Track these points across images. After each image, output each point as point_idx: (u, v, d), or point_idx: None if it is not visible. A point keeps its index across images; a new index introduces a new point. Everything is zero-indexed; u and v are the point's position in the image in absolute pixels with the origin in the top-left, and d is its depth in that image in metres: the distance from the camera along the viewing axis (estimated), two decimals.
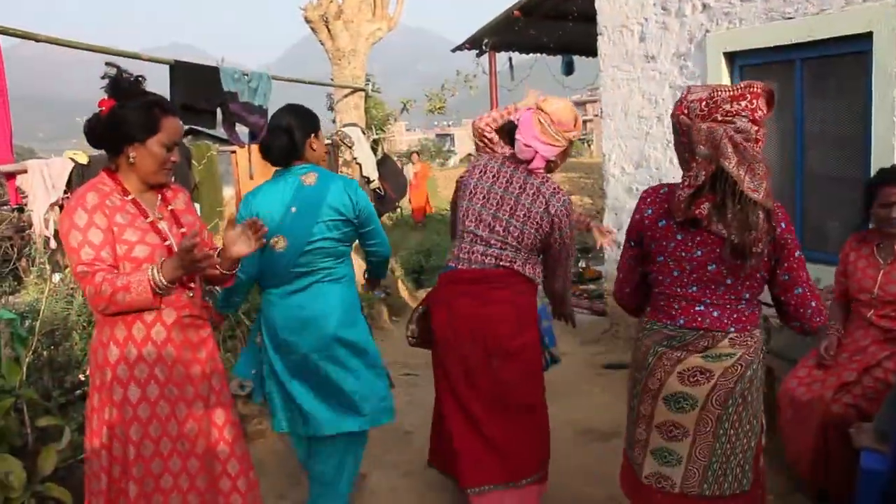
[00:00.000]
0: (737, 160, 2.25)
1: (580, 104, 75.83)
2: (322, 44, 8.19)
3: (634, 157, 6.28)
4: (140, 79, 2.56)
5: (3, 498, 3.06)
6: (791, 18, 4.90)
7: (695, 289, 2.48)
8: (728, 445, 2.52)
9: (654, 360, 2.54)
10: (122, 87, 2.51)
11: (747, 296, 2.48)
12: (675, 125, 2.43)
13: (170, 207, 2.67)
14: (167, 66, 5.54)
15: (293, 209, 3.31)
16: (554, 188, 3.20)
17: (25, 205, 4.81)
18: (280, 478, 4.10)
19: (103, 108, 2.49)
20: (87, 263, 2.39)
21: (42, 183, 4.54)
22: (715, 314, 2.47)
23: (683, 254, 2.46)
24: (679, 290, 2.50)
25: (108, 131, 2.49)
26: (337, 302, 3.39)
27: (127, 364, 2.49)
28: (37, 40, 4.51)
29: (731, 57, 5.45)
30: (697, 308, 2.49)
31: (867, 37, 4.52)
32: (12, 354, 3.76)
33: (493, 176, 3.28)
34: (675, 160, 6.04)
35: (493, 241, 3.23)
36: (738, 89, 2.31)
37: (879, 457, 2.83)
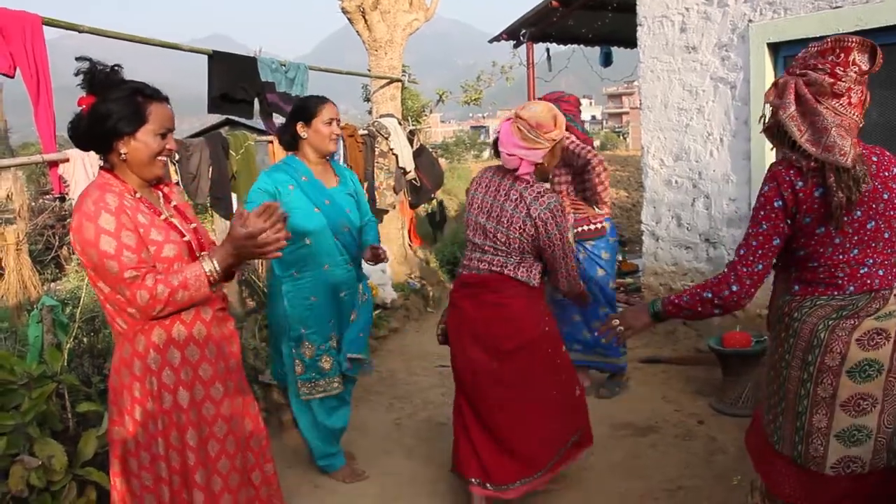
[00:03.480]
0: (794, 110, 2.29)
1: (616, 96, 75.44)
2: (359, 34, 8.20)
3: (674, 149, 6.20)
4: (117, 68, 2.37)
5: (45, 481, 3.11)
6: (838, 7, 4.80)
7: (856, 252, 2.39)
8: None
9: (827, 334, 2.41)
10: (99, 80, 2.31)
11: None
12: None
13: (173, 203, 2.55)
14: (206, 57, 5.58)
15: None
16: (537, 192, 3.26)
17: (67, 194, 4.86)
18: (313, 467, 4.12)
19: (83, 105, 2.31)
20: (134, 267, 2.24)
21: (83, 172, 4.58)
22: (881, 273, 2.40)
23: (846, 218, 2.36)
24: (842, 256, 2.40)
25: (93, 129, 2.31)
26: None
27: (172, 369, 2.39)
28: (80, 31, 4.57)
29: (774, 48, 5.35)
30: (862, 271, 2.40)
31: None
32: (54, 340, 3.83)
33: (486, 186, 3.42)
34: (715, 152, 5.95)
35: (486, 248, 3.38)
36: (827, 43, 2.30)
37: None
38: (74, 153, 4.66)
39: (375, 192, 7.59)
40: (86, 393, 3.82)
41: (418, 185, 8.23)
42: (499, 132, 3.35)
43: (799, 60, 2.37)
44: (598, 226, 4.91)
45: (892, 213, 2.37)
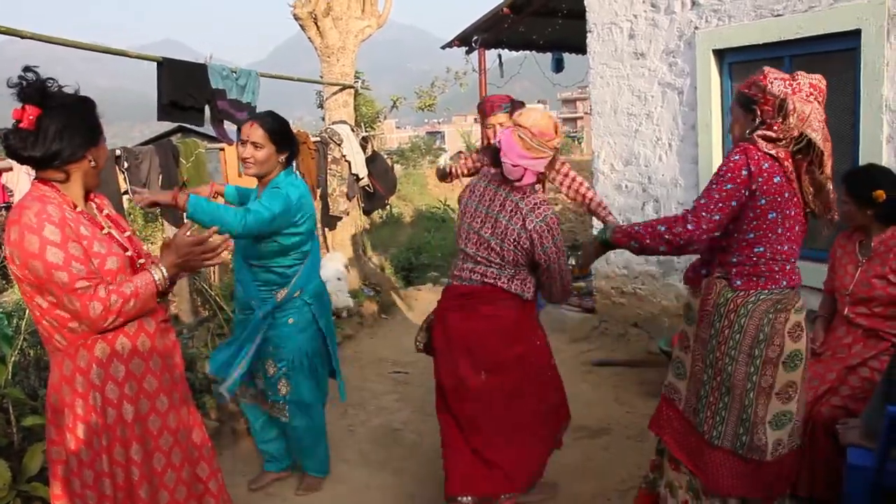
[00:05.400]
0: (822, 135, 2.55)
1: (570, 101, 76.10)
2: (311, 41, 8.16)
3: (624, 154, 6.28)
4: (51, 81, 2.27)
5: None
6: (780, 16, 4.91)
7: (786, 248, 2.65)
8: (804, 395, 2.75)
9: (769, 329, 2.63)
10: (51, 92, 2.25)
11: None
12: (754, 94, 2.65)
13: (105, 213, 2.50)
14: (155, 64, 5.52)
15: None
16: (534, 204, 3.17)
17: (11, 202, 4.76)
18: (266, 475, 4.08)
19: (31, 116, 2.18)
20: (85, 278, 2.20)
21: (27, 180, 4.49)
22: (797, 270, 2.69)
23: (788, 211, 2.62)
24: (779, 247, 2.64)
25: (81, 136, 2.27)
26: None
27: (116, 383, 2.35)
28: (22, 37, 4.47)
29: (720, 54, 5.45)
30: (788, 267, 2.67)
31: (855, 34, 4.53)
32: None
33: (480, 195, 3.31)
34: (664, 157, 6.01)
35: (479, 259, 3.27)
36: (814, 79, 2.61)
37: (866, 453, 2.83)
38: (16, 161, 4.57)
39: (328, 199, 7.57)
40: (31, 406, 3.74)
41: (372, 191, 8.23)
42: (499, 141, 3.20)
43: (791, 83, 2.59)
44: None
45: (805, 225, 2.69)
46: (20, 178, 4.52)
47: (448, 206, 19.74)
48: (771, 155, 2.58)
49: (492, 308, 3.27)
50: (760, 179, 2.57)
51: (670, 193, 5.93)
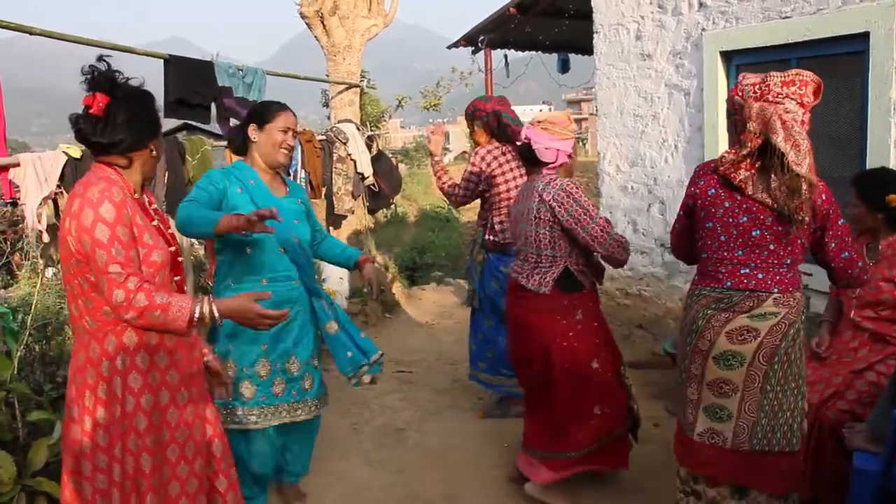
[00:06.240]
0: (783, 136, 2.55)
1: (575, 102, 75.99)
2: (317, 39, 8.17)
3: (630, 155, 6.28)
4: (119, 72, 2.40)
5: None
6: (788, 18, 4.90)
7: (740, 252, 2.74)
8: (775, 402, 2.76)
9: (703, 322, 2.80)
10: (119, 83, 2.35)
11: (789, 261, 2.73)
12: (730, 106, 2.78)
13: (153, 206, 2.55)
14: (161, 61, 5.52)
15: None
16: (549, 179, 3.55)
17: (18, 199, 4.77)
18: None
19: (101, 103, 2.28)
20: (121, 264, 2.23)
21: (35, 176, 4.50)
22: (759, 276, 2.72)
23: (730, 220, 2.74)
24: (726, 253, 2.77)
25: (145, 126, 2.39)
26: None
27: (139, 372, 2.36)
28: (31, 33, 4.48)
29: (727, 56, 5.45)
30: (743, 271, 2.74)
31: (864, 37, 4.52)
32: (4, 348, 3.74)
33: (521, 194, 3.76)
34: (670, 158, 6.02)
35: (520, 254, 3.73)
36: (788, 76, 2.63)
37: (872, 457, 2.83)
38: (26, 157, 4.58)
39: (333, 198, 7.57)
40: (37, 402, 3.74)
41: (377, 190, 8.22)
42: (527, 139, 3.61)
43: (759, 87, 2.65)
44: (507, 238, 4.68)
45: (779, 228, 2.68)
46: (27, 174, 4.52)
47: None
48: (718, 175, 2.76)
49: (520, 300, 3.69)
50: (695, 194, 2.87)
51: (676, 195, 5.92)
